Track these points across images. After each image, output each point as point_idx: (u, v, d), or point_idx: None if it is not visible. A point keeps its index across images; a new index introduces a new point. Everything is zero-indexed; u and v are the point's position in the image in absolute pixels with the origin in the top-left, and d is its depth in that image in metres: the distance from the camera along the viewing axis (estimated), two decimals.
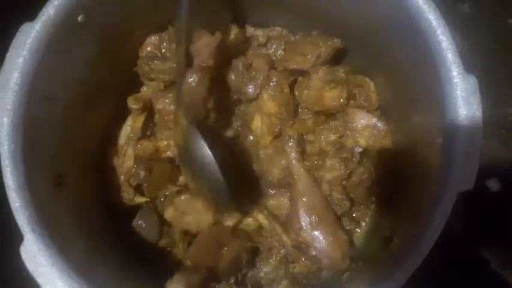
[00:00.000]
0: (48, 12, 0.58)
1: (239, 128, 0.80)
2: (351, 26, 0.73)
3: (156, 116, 0.79)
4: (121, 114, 0.79)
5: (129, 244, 0.75)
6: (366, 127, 0.78)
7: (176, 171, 0.77)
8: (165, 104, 0.75)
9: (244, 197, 0.77)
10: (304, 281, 0.77)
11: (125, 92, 0.78)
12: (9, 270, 0.73)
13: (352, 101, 0.79)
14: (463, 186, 0.54)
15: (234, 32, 0.79)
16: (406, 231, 0.62)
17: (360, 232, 0.78)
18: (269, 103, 0.76)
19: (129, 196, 0.75)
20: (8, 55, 0.57)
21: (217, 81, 0.75)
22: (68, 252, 0.56)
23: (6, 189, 0.55)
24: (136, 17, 0.71)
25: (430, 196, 0.57)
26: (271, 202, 0.78)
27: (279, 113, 0.77)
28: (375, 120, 0.78)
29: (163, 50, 0.74)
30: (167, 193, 0.76)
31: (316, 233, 0.71)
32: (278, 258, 0.78)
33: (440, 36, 0.56)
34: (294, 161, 0.75)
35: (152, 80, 0.78)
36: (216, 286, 0.74)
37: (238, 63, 0.76)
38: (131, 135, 0.77)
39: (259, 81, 0.76)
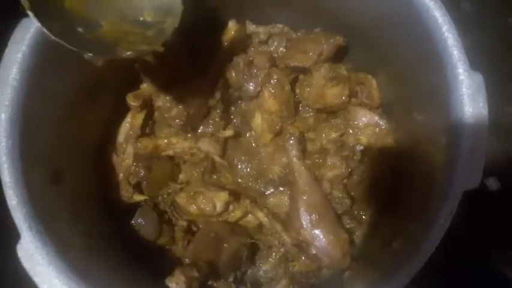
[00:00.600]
0: None
1: (239, 126, 0.80)
2: (354, 23, 0.72)
3: (156, 114, 0.78)
4: (120, 111, 0.78)
5: (127, 242, 0.74)
6: (368, 125, 0.77)
7: (176, 169, 0.76)
8: (165, 101, 0.74)
9: None
10: (303, 280, 0.77)
11: (125, 88, 0.77)
12: (5, 270, 0.72)
13: (353, 99, 0.79)
14: (469, 185, 0.54)
15: (234, 28, 0.78)
16: (410, 230, 0.61)
17: (360, 231, 0.78)
18: (270, 101, 0.76)
19: (128, 194, 0.75)
20: (7, 50, 0.56)
21: (218, 78, 0.75)
22: (66, 250, 0.55)
23: (3, 186, 0.54)
24: None
25: (434, 195, 0.56)
26: (271, 200, 0.78)
27: (279, 111, 0.76)
28: (376, 118, 0.77)
29: None
30: (170, 190, 0.76)
31: (316, 231, 0.71)
32: (278, 256, 0.77)
33: (446, 33, 0.55)
34: (294, 159, 0.75)
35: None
36: (215, 284, 0.73)
37: (239, 61, 0.76)
38: (130, 132, 0.76)
39: (260, 79, 0.76)
